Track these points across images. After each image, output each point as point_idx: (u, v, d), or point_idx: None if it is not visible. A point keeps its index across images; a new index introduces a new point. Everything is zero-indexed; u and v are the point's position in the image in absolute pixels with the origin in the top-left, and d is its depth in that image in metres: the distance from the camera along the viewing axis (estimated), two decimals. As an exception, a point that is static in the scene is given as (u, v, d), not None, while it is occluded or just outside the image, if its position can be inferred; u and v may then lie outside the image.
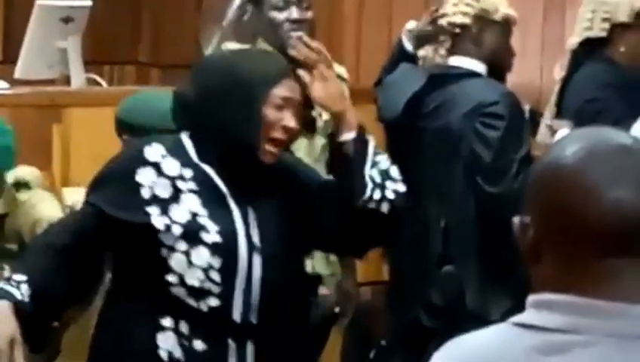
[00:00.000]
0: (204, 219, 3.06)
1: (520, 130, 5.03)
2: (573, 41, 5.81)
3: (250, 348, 3.01)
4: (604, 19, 5.71)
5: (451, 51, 4.99)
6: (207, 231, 3.05)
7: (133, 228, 3.10)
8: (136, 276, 3.21)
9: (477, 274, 4.97)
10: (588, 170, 1.86)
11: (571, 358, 1.83)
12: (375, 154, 3.27)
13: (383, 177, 3.21)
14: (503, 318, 1.97)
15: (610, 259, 1.85)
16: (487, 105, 4.75)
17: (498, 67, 5.07)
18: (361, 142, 3.23)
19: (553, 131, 5.58)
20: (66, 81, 6.71)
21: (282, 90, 3.09)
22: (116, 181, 3.18)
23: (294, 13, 4.67)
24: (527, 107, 5.96)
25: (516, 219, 2.47)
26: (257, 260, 3.07)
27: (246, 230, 3.08)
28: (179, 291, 3.05)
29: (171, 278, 3.04)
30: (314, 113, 4.65)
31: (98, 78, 6.99)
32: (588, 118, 5.33)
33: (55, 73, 6.72)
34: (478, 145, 4.77)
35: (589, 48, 5.71)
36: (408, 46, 5.10)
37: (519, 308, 1.95)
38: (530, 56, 6.56)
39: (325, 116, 4.71)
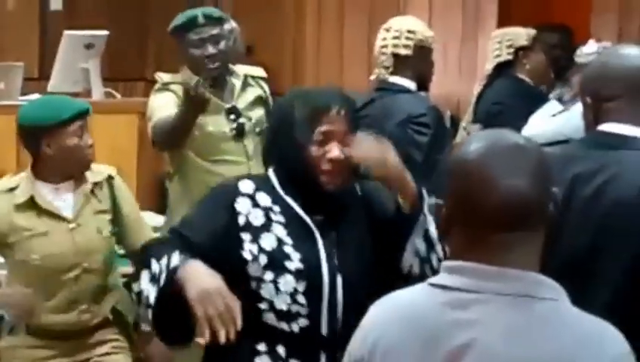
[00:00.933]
0: (288, 248, 2.78)
1: (443, 136, 4.88)
2: (488, 66, 5.93)
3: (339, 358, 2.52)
4: (509, 46, 5.84)
5: (392, 72, 4.80)
6: (291, 260, 2.77)
7: (225, 262, 2.76)
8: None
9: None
10: (487, 163, 1.88)
11: (472, 311, 1.86)
12: (425, 222, 2.87)
13: (429, 249, 2.87)
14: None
15: (503, 234, 1.86)
16: (416, 117, 4.62)
17: (424, 83, 4.93)
18: (413, 214, 2.85)
19: (468, 133, 5.67)
20: (88, 93, 6.52)
21: (323, 127, 2.77)
22: (215, 212, 2.87)
23: (209, 49, 4.59)
24: (448, 113, 6.08)
25: (435, 202, 2.60)
26: (339, 280, 2.80)
27: (327, 255, 2.80)
28: (270, 316, 2.79)
29: (262, 306, 2.78)
30: (242, 120, 4.63)
31: (114, 92, 6.85)
32: (491, 117, 5.47)
33: (79, 88, 6.57)
34: (411, 149, 4.55)
35: (500, 70, 5.86)
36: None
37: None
38: (450, 74, 6.51)
39: (254, 119, 4.69)
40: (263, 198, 2.83)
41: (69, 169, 3.88)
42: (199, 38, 4.60)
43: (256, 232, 2.79)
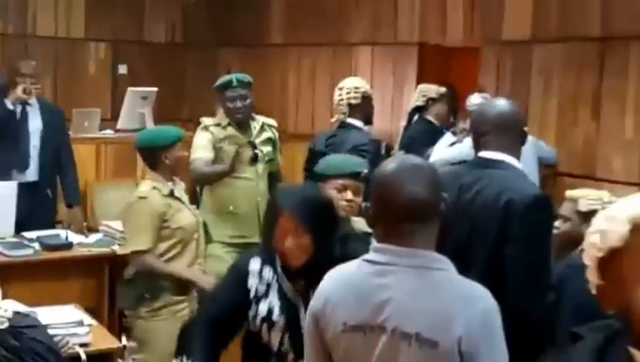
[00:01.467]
0: (276, 311, 2.54)
1: (378, 158, 4.63)
2: (409, 107, 6.00)
3: None
4: (424, 96, 5.90)
5: (348, 116, 4.78)
6: (277, 320, 2.54)
7: (238, 317, 2.60)
8: (249, 338, 2.65)
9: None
10: (396, 176, 1.88)
11: (389, 278, 1.84)
12: None
13: None
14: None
15: (408, 225, 1.85)
16: (361, 145, 4.59)
17: (369, 120, 4.92)
18: None
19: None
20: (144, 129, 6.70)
21: (279, 225, 2.48)
22: (232, 291, 2.62)
23: (238, 104, 4.51)
24: (384, 143, 6.12)
25: (364, 205, 2.54)
26: None
27: (305, 311, 2.34)
28: (269, 349, 2.57)
29: (263, 341, 2.58)
30: (257, 151, 4.52)
31: None
32: (407, 145, 5.55)
33: (138, 125, 6.56)
34: None
35: (417, 111, 5.91)
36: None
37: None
38: (385, 115, 6.40)
39: (265, 152, 4.57)
40: (267, 273, 2.60)
41: (177, 173, 3.96)
42: (232, 96, 4.54)
43: (257, 299, 2.59)
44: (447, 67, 6.68)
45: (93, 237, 4.95)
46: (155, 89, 6.87)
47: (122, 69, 8.21)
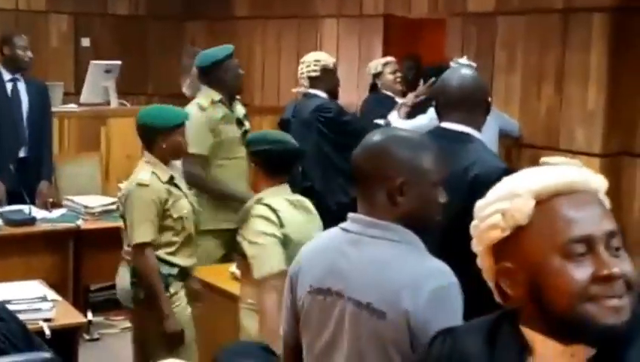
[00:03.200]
0: None
1: (346, 114, 4.94)
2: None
3: None
4: (369, 74, 5.90)
5: (310, 86, 4.90)
6: None
7: None
8: None
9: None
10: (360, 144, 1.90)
11: (353, 247, 1.86)
12: None
13: None
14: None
15: (358, 189, 1.88)
16: (321, 106, 4.76)
17: (334, 94, 5.00)
18: None
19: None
20: (108, 103, 6.61)
21: None
22: None
23: (240, 71, 4.45)
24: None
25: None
26: None
27: None
28: None
29: None
30: (244, 127, 4.39)
31: (125, 102, 6.91)
32: (363, 116, 5.59)
33: (102, 100, 6.64)
34: (320, 126, 4.73)
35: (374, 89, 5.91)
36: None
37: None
38: (352, 86, 6.31)
39: (248, 127, 4.44)
40: None
41: (176, 158, 3.76)
42: (235, 64, 4.43)
43: None
44: (413, 39, 6.71)
45: (57, 212, 4.97)
46: (118, 62, 6.79)
47: (85, 42, 8.10)
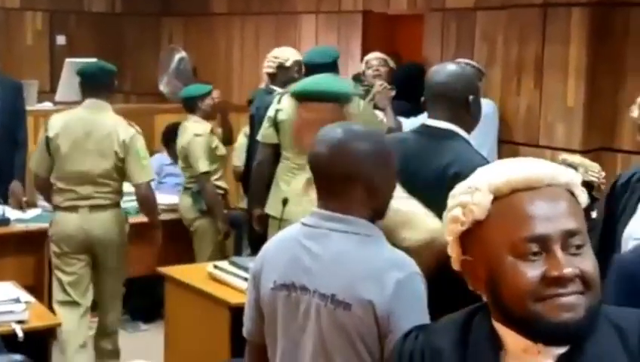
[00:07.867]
0: None
1: None
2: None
3: None
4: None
5: (270, 82, 5.06)
6: None
7: None
8: None
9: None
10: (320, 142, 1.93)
11: (315, 241, 1.89)
12: None
13: None
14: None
15: (319, 184, 1.91)
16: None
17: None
18: None
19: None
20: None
21: None
22: None
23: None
24: None
25: None
26: None
27: None
28: None
29: None
30: None
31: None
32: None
33: (77, 97, 6.07)
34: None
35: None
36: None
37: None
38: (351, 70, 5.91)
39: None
40: None
41: (210, 116, 5.42)
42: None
43: None
44: (391, 35, 6.69)
45: (32, 213, 4.91)
46: (94, 60, 6.66)
47: (61, 40, 8.01)
